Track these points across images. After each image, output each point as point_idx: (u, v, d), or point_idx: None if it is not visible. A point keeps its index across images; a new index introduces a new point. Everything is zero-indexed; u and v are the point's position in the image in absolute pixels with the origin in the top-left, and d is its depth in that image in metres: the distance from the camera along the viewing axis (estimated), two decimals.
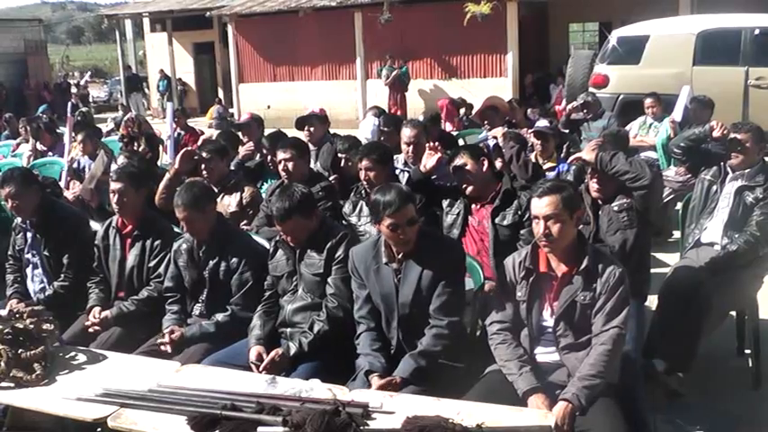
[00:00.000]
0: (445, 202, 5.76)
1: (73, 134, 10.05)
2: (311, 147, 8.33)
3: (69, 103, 27.22)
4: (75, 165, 9.35)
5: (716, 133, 5.90)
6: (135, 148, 9.09)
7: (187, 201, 5.08)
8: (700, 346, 5.35)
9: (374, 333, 4.47)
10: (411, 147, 6.74)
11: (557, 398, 3.86)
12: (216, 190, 6.14)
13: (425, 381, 4.16)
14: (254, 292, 5.04)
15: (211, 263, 5.13)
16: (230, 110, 26.78)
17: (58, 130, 11.96)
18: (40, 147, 11.49)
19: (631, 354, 4.53)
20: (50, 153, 11.25)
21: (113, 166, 7.46)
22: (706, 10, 15.98)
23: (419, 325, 4.36)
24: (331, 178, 7.04)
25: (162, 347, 4.94)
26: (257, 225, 6.29)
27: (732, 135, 5.80)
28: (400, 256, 4.40)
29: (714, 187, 5.81)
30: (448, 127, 11.48)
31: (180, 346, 4.93)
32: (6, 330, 4.25)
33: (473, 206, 5.63)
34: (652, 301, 5.62)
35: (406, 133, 6.87)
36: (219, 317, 5.04)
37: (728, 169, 5.80)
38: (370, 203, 4.71)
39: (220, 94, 29.73)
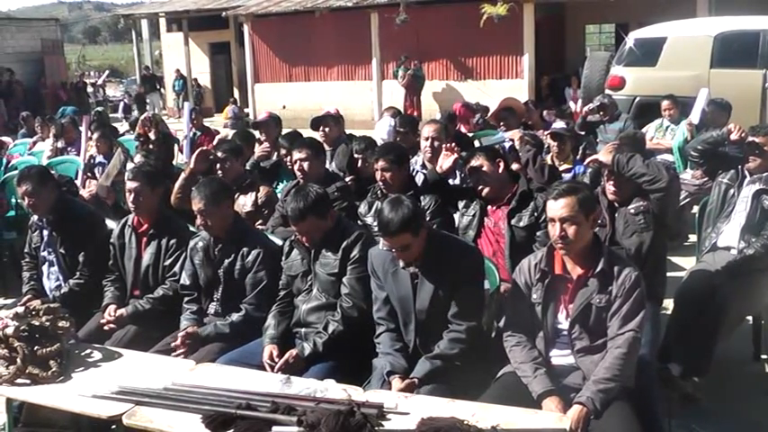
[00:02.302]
0: (461, 204, 5.75)
1: (89, 133, 10.10)
2: (326, 147, 8.34)
3: (122, 104, 27.29)
4: (92, 162, 9.40)
5: (734, 136, 5.87)
6: (151, 147, 9.12)
7: (205, 192, 5.10)
8: (715, 350, 5.33)
9: (394, 334, 4.47)
10: (430, 141, 6.74)
11: (571, 401, 3.85)
12: None
13: (440, 382, 4.16)
14: (269, 292, 5.05)
15: (226, 261, 5.14)
16: (246, 110, 26.83)
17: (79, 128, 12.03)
18: (60, 144, 11.55)
19: (647, 357, 4.50)
20: (70, 149, 11.30)
21: (129, 165, 7.49)
22: (724, 12, 15.90)
23: (436, 329, 4.35)
24: (347, 179, 7.04)
25: (173, 345, 4.96)
26: (273, 225, 6.29)
27: (750, 138, 5.78)
28: (417, 261, 4.38)
29: (731, 191, 5.79)
30: (462, 131, 11.45)
31: (195, 345, 4.94)
32: (23, 327, 4.27)
33: (489, 207, 5.62)
34: (668, 305, 5.60)
35: (427, 129, 6.88)
36: (234, 317, 5.04)
37: (746, 173, 5.78)
38: (377, 212, 4.70)
39: (236, 94, 29.78)
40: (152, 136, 9.15)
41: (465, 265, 4.38)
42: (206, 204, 5.07)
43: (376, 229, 5.70)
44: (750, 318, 5.97)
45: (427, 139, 6.79)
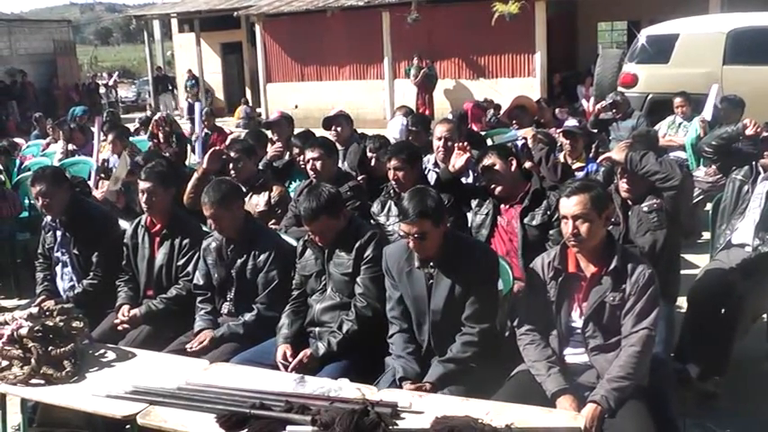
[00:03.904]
0: (474, 202, 5.74)
1: (102, 134, 10.12)
2: (339, 146, 8.33)
3: (187, 104, 27.11)
4: (106, 164, 9.42)
5: (749, 131, 5.85)
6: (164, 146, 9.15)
7: (214, 198, 5.10)
8: (732, 349, 5.31)
9: (407, 335, 4.46)
10: (443, 141, 6.71)
11: (585, 399, 3.84)
12: (244, 189, 6.15)
13: (454, 385, 4.15)
14: (280, 291, 5.06)
15: (239, 261, 5.15)
16: (258, 109, 26.86)
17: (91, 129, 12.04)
18: (71, 147, 11.58)
19: (661, 356, 4.49)
20: (79, 153, 11.33)
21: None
22: (736, 8, 15.83)
23: (450, 330, 4.34)
24: (359, 178, 7.03)
25: (188, 348, 4.97)
26: (286, 225, 6.29)
27: (765, 134, 5.75)
28: (432, 261, 4.37)
29: (745, 187, 5.76)
30: (474, 129, 11.44)
31: (209, 346, 4.95)
32: (37, 328, 4.28)
33: (502, 206, 5.61)
34: (681, 303, 5.58)
35: (440, 129, 6.85)
36: (246, 316, 5.06)
37: (760, 169, 5.75)
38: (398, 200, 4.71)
39: (248, 94, 29.80)
40: (153, 130, 9.17)
41: (481, 266, 4.38)
42: (216, 209, 5.09)
43: (389, 228, 5.72)
44: (765, 316, 5.94)
45: (440, 138, 6.76)
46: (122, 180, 7.97)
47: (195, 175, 6.54)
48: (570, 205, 4.07)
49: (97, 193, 8.38)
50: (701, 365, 5.26)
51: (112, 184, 8.09)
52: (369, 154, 7.24)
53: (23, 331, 4.26)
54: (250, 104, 27.23)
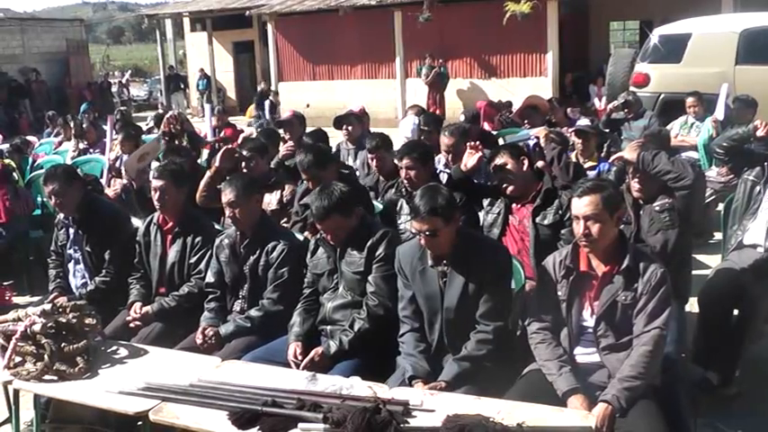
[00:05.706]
0: (486, 202, 5.73)
1: (115, 133, 10.16)
2: (350, 145, 8.35)
3: (268, 102, 26.85)
4: (117, 163, 9.44)
5: (760, 132, 5.83)
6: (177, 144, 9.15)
7: (236, 184, 5.17)
8: (743, 350, 5.30)
9: (418, 334, 4.46)
10: (444, 153, 6.73)
11: (597, 399, 3.84)
12: None
13: (468, 384, 4.15)
14: (288, 288, 5.08)
15: (252, 258, 5.17)
16: None
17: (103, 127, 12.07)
18: (82, 145, 11.61)
19: (672, 356, 4.48)
20: (91, 150, 11.36)
21: (154, 164, 7.52)
22: (749, 8, 15.78)
23: (463, 328, 4.34)
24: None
25: (197, 341, 5.02)
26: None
27: None
28: (445, 259, 4.37)
29: (757, 188, 5.73)
30: (486, 128, 11.42)
31: (218, 344, 4.98)
32: (50, 324, 4.31)
33: (514, 205, 5.60)
34: (693, 303, 5.56)
35: (444, 141, 6.87)
36: (252, 311, 5.09)
37: None
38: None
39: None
40: (165, 128, 9.16)
41: (494, 264, 4.38)
42: (237, 196, 5.12)
43: (401, 227, 5.73)
44: None
45: (445, 150, 6.83)
46: (147, 162, 8.00)
47: (208, 174, 6.55)
48: (582, 205, 4.07)
49: (110, 192, 8.41)
50: (718, 372, 5.26)
51: (135, 160, 8.08)
52: (368, 154, 7.22)
53: (36, 328, 4.29)
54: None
